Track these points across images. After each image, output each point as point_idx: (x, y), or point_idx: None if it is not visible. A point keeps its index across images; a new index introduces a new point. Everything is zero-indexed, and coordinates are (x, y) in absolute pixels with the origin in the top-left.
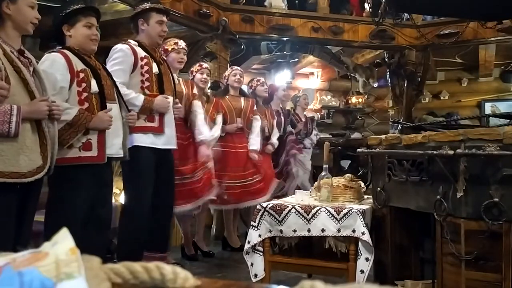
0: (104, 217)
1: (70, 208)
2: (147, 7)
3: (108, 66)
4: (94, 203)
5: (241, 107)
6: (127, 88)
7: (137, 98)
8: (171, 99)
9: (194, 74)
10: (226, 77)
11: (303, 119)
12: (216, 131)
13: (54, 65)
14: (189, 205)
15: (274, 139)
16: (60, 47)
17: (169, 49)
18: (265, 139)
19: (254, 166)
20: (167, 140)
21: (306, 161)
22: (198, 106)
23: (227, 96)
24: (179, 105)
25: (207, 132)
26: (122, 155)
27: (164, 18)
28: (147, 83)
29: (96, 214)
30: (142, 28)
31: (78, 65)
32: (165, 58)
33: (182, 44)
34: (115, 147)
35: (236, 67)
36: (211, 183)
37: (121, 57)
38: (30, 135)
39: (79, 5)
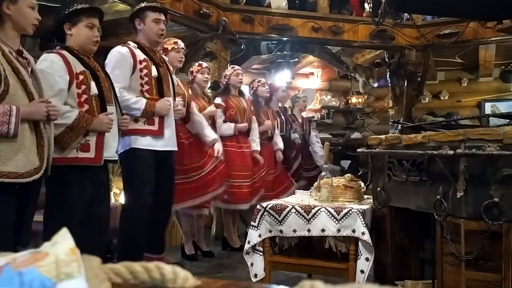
0: (101, 217)
1: (68, 209)
2: (142, 6)
3: (107, 70)
4: (91, 203)
5: (245, 107)
6: (127, 92)
7: (138, 102)
8: (171, 101)
9: (194, 74)
10: (228, 77)
11: (300, 120)
12: (225, 129)
13: (53, 66)
14: (198, 199)
15: (280, 143)
16: (59, 47)
17: (169, 48)
18: (268, 139)
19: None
20: (167, 142)
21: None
22: (195, 108)
23: (231, 96)
24: (179, 107)
25: (212, 133)
26: (117, 158)
27: (161, 16)
28: (146, 87)
29: (93, 214)
30: (139, 28)
31: (77, 66)
32: (165, 57)
33: (181, 44)
34: (112, 150)
35: (237, 66)
36: (223, 175)
37: (120, 61)
38: (28, 135)
39: (83, 5)
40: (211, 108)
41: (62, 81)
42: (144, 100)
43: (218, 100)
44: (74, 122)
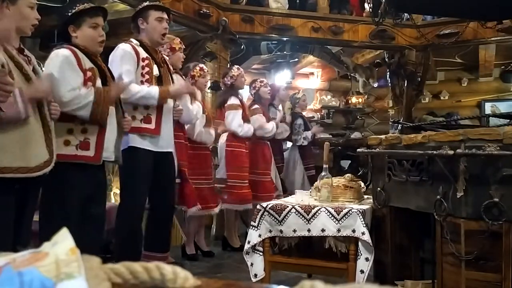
0: (98, 216)
1: (64, 207)
2: (145, 5)
3: (114, 66)
4: (88, 202)
5: (246, 108)
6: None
7: (151, 91)
8: (170, 103)
9: (196, 79)
10: (235, 78)
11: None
12: (247, 131)
13: (66, 61)
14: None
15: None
16: (67, 44)
17: (177, 48)
18: (271, 140)
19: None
20: (164, 143)
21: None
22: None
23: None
24: (180, 107)
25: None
26: (113, 159)
27: (164, 15)
28: (147, 84)
29: (90, 213)
30: (142, 27)
31: (86, 63)
32: (168, 57)
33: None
34: (108, 150)
35: (241, 68)
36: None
37: (126, 57)
38: (36, 129)
39: (85, 5)
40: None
41: (77, 75)
42: (156, 88)
43: (235, 101)
44: (96, 96)
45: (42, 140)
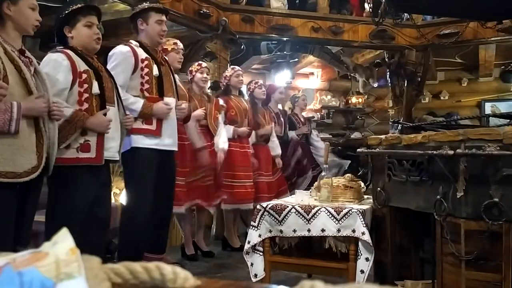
0: (103, 217)
1: (70, 209)
2: (146, 6)
3: (108, 67)
4: (93, 203)
5: (246, 108)
6: (126, 91)
7: (135, 103)
8: (173, 103)
9: (194, 73)
10: (228, 78)
11: (302, 120)
12: (224, 136)
13: (56, 66)
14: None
15: (278, 149)
16: (62, 47)
17: (169, 49)
18: (265, 141)
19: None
20: (167, 142)
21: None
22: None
23: (232, 97)
24: (183, 106)
25: (222, 143)
26: (118, 159)
27: (163, 18)
28: (146, 86)
29: (95, 214)
30: (141, 28)
31: (81, 65)
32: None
33: (180, 45)
34: (112, 150)
35: (237, 67)
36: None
37: (121, 60)
38: (27, 135)
39: (78, 5)
40: (198, 112)
41: (64, 81)
42: (141, 102)
43: (219, 101)
44: (72, 115)
45: (33, 147)
